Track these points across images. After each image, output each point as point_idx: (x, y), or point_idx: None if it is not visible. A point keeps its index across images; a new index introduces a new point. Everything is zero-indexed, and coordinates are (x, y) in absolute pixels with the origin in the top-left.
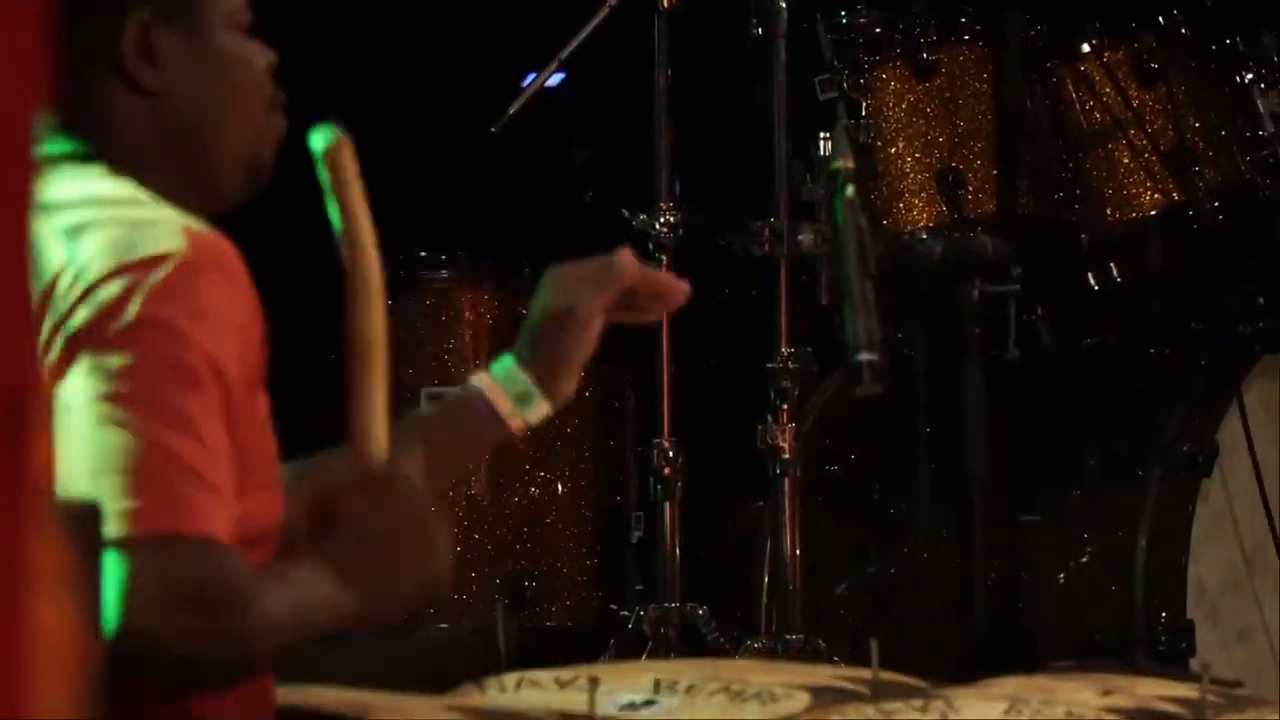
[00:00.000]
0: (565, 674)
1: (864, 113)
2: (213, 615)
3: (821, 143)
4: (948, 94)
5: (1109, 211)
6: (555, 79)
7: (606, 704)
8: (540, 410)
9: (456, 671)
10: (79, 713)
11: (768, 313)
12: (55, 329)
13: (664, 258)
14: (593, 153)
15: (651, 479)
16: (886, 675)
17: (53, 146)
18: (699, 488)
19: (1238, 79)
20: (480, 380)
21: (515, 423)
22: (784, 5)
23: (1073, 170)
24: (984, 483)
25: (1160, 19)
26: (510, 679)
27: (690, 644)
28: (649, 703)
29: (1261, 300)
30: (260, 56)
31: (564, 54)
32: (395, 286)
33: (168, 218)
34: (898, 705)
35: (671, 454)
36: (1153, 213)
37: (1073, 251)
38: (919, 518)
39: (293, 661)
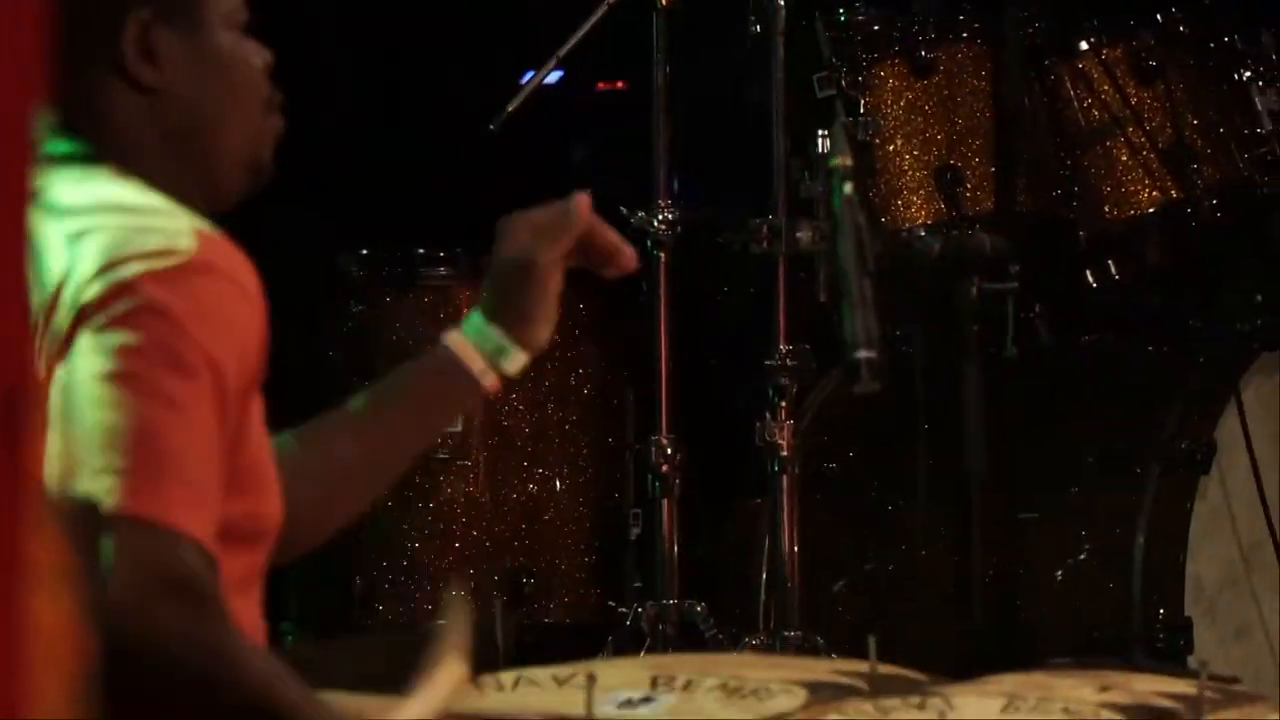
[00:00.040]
0: (563, 671)
1: (862, 110)
2: (191, 610)
3: (820, 140)
4: (946, 92)
5: (1107, 209)
6: (553, 76)
7: (604, 701)
8: (517, 361)
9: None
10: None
11: (766, 310)
12: (60, 327)
13: (662, 255)
14: (591, 150)
15: (650, 476)
16: (885, 668)
17: (53, 147)
18: (697, 485)
19: (1236, 77)
20: (451, 339)
21: (488, 380)
22: (782, 3)
23: (1071, 168)
24: (982, 480)
25: (1158, 17)
26: (508, 677)
27: (688, 641)
28: (646, 700)
29: (1259, 298)
30: (257, 56)
31: (562, 52)
32: (395, 285)
33: (180, 219)
34: (895, 703)
35: (670, 451)
36: (1151, 210)
37: (1071, 249)
38: (917, 515)
39: (293, 662)
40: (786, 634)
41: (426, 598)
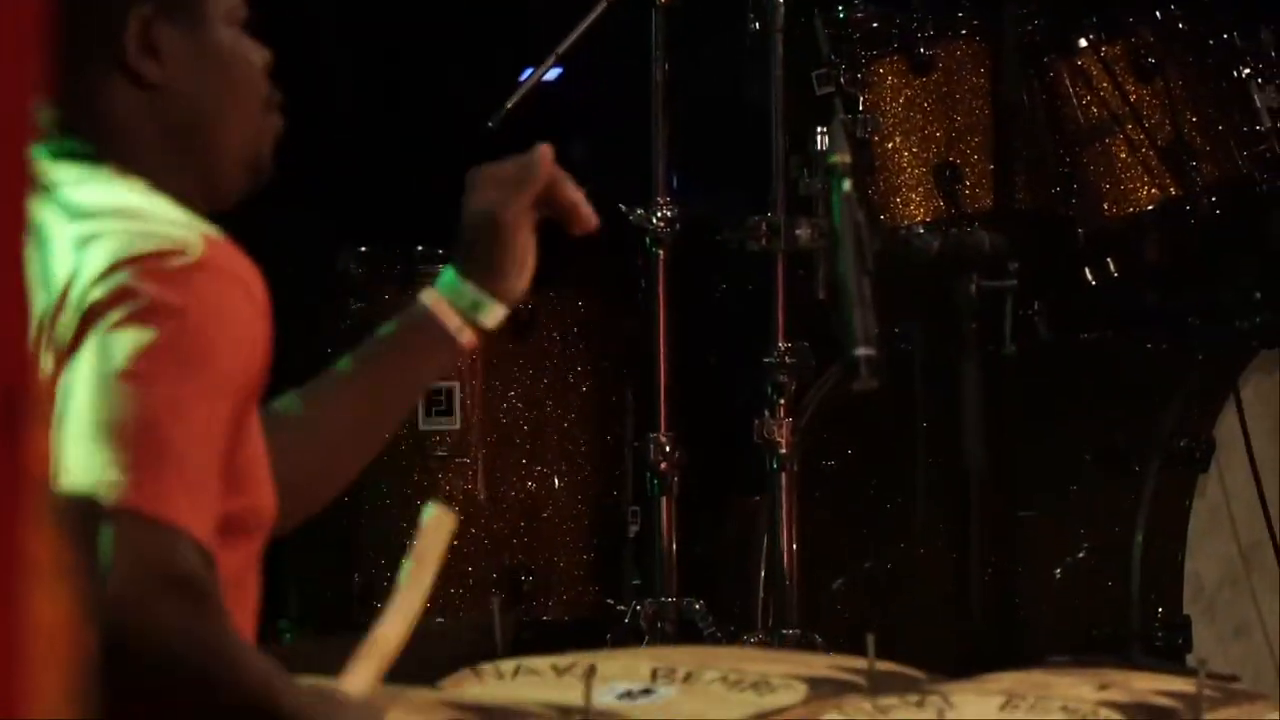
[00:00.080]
0: (562, 661)
1: (861, 108)
2: (191, 606)
3: (818, 137)
4: (945, 89)
5: (1106, 206)
6: (552, 73)
7: (603, 693)
8: (495, 314)
9: (452, 666)
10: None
11: (765, 307)
12: (66, 329)
13: (661, 252)
14: (590, 147)
15: (648, 474)
16: (883, 665)
17: (55, 145)
18: (696, 482)
19: (1235, 74)
20: (426, 296)
21: (465, 336)
22: (781, 0)
23: (1070, 165)
24: (981, 478)
25: (1157, 14)
26: (507, 665)
27: (687, 639)
28: (646, 691)
29: (1258, 295)
30: (257, 54)
31: (561, 49)
32: (395, 282)
33: (185, 222)
34: (894, 701)
35: (668, 449)
36: (1150, 208)
37: (1069, 246)
38: (916, 513)
39: (288, 656)
40: (785, 632)
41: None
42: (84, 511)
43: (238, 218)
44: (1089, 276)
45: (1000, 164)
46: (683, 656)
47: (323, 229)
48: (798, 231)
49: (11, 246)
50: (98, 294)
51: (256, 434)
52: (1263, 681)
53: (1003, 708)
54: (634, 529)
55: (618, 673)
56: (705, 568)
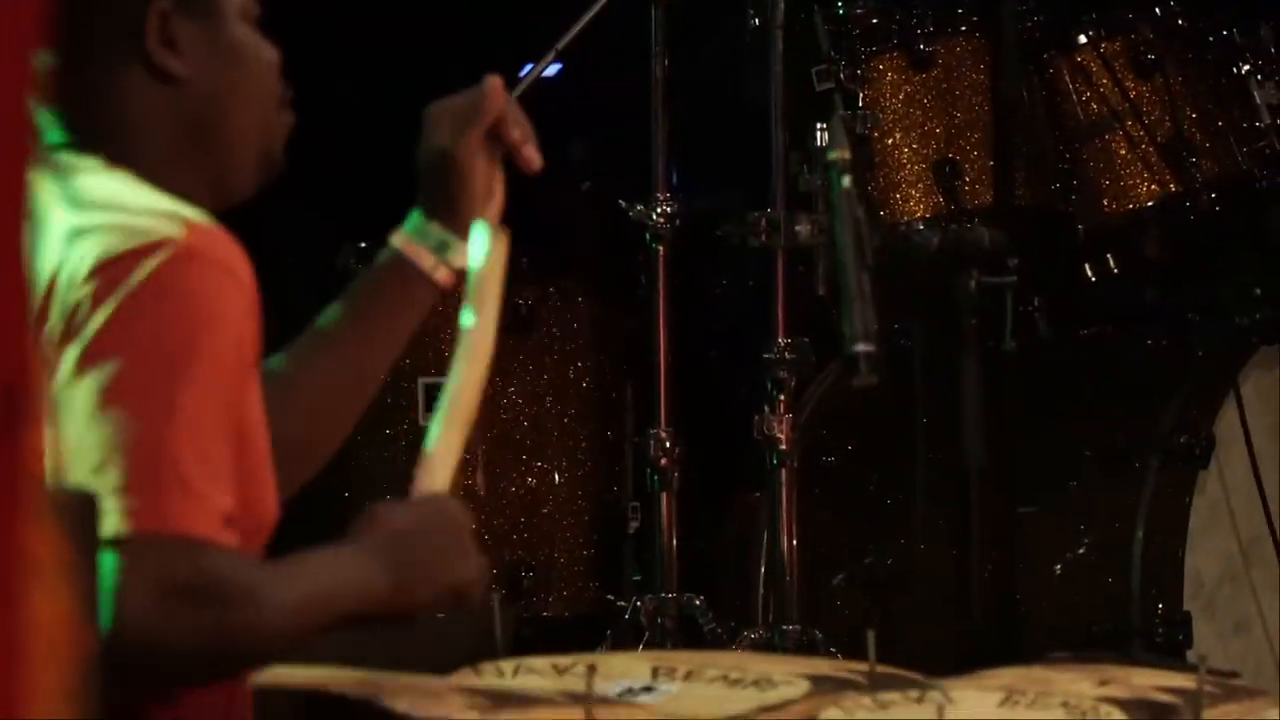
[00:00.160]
0: (563, 660)
1: (861, 104)
2: (215, 609)
3: (818, 133)
4: (944, 85)
5: (1106, 202)
6: (552, 69)
7: (605, 689)
8: (463, 253)
9: (452, 661)
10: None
11: (764, 303)
12: (54, 328)
13: (661, 248)
14: (590, 143)
15: (648, 470)
16: (883, 669)
17: (64, 138)
18: (696, 478)
19: (1235, 70)
20: (397, 239)
21: (441, 274)
22: None
23: (1069, 161)
24: (981, 474)
25: (1157, 10)
26: (508, 664)
27: (687, 634)
28: (648, 689)
29: (1258, 291)
30: (269, 51)
31: (561, 45)
32: None
33: (169, 211)
34: (894, 696)
35: (668, 445)
36: (1149, 204)
37: (1069, 242)
38: (916, 509)
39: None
40: (785, 628)
41: None
42: (81, 519)
43: (238, 214)
44: (1089, 273)
45: (1000, 160)
46: (684, 657)
47: (323, 225)
48: (797, 227)
49: (10, 245)
50: (81, 295)
51: (258, 419)
52: (1263, 677)
53: (1003, 704)
54: (634, 525)
55: (619, 670)
56: (705, 564)
